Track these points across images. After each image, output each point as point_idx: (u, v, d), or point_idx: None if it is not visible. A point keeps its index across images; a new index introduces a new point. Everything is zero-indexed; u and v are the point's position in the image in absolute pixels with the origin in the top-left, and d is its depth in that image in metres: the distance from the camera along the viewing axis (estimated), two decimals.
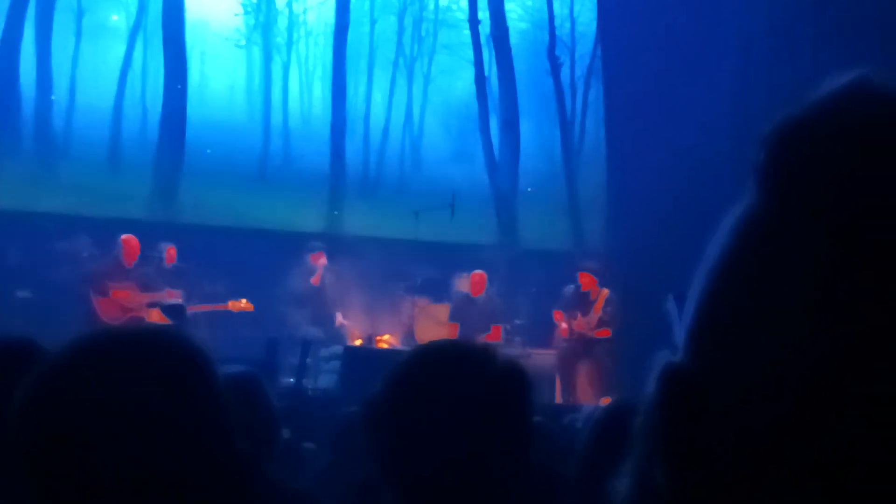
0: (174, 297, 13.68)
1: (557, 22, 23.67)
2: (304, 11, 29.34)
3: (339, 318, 15.12)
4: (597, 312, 14.21)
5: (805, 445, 0.76)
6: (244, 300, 14.13)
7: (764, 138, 0.83)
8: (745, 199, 0.84)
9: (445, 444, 2.27)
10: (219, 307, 14.05)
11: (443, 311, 15.54)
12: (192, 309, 13.61)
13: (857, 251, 0.75)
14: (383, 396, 2.37)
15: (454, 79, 28.06)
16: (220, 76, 28.54)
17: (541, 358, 13.96)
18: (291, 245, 16.01)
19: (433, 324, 15.66)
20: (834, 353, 0.75)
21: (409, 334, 15.50)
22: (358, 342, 14.59)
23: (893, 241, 0.74)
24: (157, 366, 1.83)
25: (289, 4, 29.31)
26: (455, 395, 2.30)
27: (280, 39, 29.45)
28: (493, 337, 14.35)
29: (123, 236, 13.89)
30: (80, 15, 26.69)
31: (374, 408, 2.38)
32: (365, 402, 2.47)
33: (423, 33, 30.00)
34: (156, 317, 13.24)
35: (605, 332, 14.08)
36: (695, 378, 0.82)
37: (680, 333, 0.86)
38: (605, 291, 14.27)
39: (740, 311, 0.80)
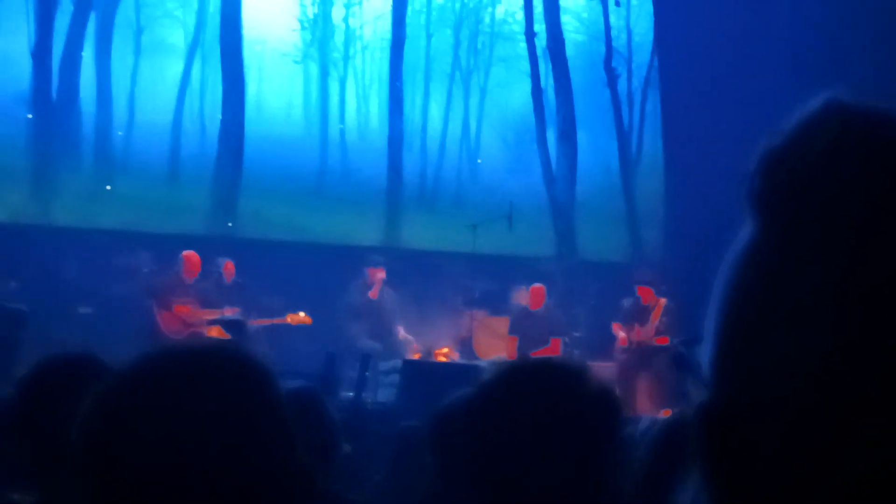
0: (233, 313, 13.77)
1: (614, 33, 23.57)
2: (361, 26, 29.43)
3: (398, 332, 15.13)
4: (654, 322, 14.17)
5: (843, 463, 0.77)
6: (302, 313, 14.18)
7: (753, 169, 0.87)
8: (744, 230, 0.87)
9: (530, 464, 2.25)
10: (277, 321, 14.11)
11: (502, 323, 15.52)
12: (252, 323, 13.68)
13: (856, 264, 0.78)
14: (471, 411, 2.35)
15: (511, 91, 27.99)
16: (277, 91, 28.65)
17: (600, 370, 13.89)
18: (349, 259, 16.03)
19: (492, 337, 15.64)
20: (858, 365, 0.77)
21: (468, 347, 15.48)
22: (417, 356, 14.59)
23: (884, 249, 0.77)
24: (219, 381, 1.84)
25: (345, 19, 29.41)
26: (545, 415, 2.28)
27: (336, 54, 29.53)
28: (553, 350, 14.33)
29: (185, 252, 14.00)
30: (138, 32, 26.91)
31: (452, 422, 2.36)
32: (438, 416, 2.44)
33: (479, 46, 29.97)
34: (216, 333, 13.32)
35: (664, 340, 14.03)
36: (726, 415, 0.84)
37: (701, 372, 0.89)
38: (663, 301, 14.23)
39: (758, 340, 0.82)
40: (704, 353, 0.88)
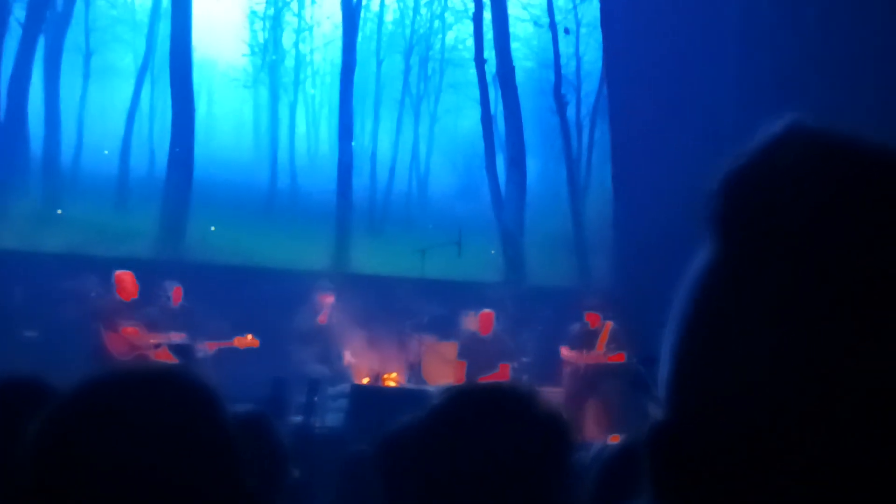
0: (180, 338, 13.68)
1: (563, 60, 23.72)
2: (311, 51, 29.48)
3: (347, 357, 15.08)
4: (601, 346, 14.22)
5: (795, 483, 0.78)
6: (250, 336, 14.12)
7: (713, 191, 0.88)
8: (702, 252, 0.88)
9: (480, 489, 2.24)
10: (225, 344, 14.04)
11: (450, 348, 15.50)
12: (200, 347, 13.60)
13: (815, 287, 0.79)
14: (420, 435, 2.33)
15: (460, 117, 28.14)
16: (227, 116, 28.64)
17: (548, 395, 13.90)
18: (298, 283, 15.98)
19: (440, 362, 15.62)
20: (815, 389, 0.78)
21: (417, 372, 15.45)
22: (365, 380, 14.55)
23: (844, 273, 0.78)
24: (166, 405, 1.84)
25: (295, 45, 29.45)
26: (494, 439, 2.27)
27: (287, 79, 29.56)
28: (501, 375, 14.32)
29: (117, 272, 13.87)
30: (88, 56, 26.84)
31: (401, 447, 2.34)
32: (386, 441, 2.42)
33: (429, 72, 30.11)
34: (163, 356, 13.22)
35: (616, 358, 14.08)
36: (680, 434, 0.85)
37: (659, 390, 0.89)
38: (609, 324, 14.28)
39: (713, 361, 0.83)
40: (661, 373, 0.89)
